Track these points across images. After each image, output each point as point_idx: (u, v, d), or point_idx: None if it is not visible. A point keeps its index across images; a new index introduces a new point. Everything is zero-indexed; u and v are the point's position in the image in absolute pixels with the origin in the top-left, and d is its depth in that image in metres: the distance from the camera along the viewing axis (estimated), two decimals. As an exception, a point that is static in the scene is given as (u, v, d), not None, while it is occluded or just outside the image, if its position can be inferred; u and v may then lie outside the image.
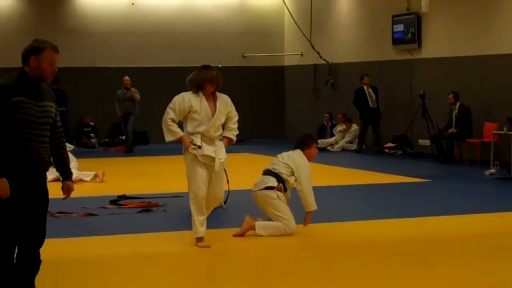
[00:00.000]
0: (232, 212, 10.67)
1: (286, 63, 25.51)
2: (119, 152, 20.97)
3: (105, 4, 23.68)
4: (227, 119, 8.73)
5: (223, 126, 8.75)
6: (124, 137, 21.56)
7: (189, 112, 8.51)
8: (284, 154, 9.26)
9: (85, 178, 14.08)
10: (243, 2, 24.95)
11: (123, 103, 20.92)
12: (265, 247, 8.59)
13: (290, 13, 24.36)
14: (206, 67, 8.69)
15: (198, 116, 8.49)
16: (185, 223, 9.26)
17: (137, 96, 20.83)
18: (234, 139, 8.85)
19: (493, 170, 15.26)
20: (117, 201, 11.76)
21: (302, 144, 9.28)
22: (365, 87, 20.49)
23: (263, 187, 9.05)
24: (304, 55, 24.37)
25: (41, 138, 5.73)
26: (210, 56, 23.45)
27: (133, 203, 11.56)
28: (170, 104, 8.59)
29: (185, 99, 8.52)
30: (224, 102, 8.67)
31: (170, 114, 8.54)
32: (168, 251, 8.47)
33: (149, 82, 23.26)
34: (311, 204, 9.03)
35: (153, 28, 23.96)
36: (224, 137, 8.72)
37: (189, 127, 8.56)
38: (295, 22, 24.01)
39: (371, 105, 20.42)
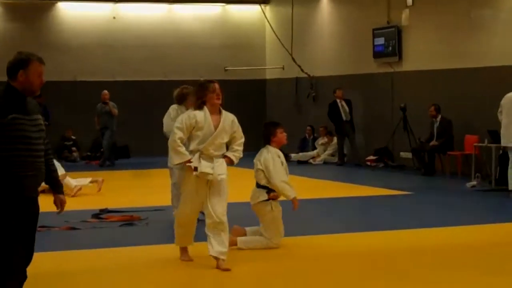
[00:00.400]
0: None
1: (267, 77, 25.57)
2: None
3: (86, 18, 23.67)
4: (232, 139, 8.32)
5: (227, 147, 8.37)
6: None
7: (193, 128, 8.09)
8: (257, 155, 9.31)
9: (84, 183, 14.25)
10: (224, 15, 25.01)
11: (101, 117, 20.93)
12: (249, 260, 8.56)
13: (271, 26, 24.42)
14: (208, 81, 8.34)
15: (201, 132, 8.08)
16: (167, 236, 9.24)
17: (115, 110, 20.80)
18: (236, 161, 8.37)
19: (474, 182, 15.33)
20: (99, 215, 11.73)
21: (267, 136, 9.31)
22: (338, 100, 20.61)
23: (257, 201, 9.17)
24: (285, 69, 24.43)
25: (37, 153, 5.60)
26: (192, 70, 23.53)
27: (115, 217, 11.53)
28: (177, 124, 8.11)
29: (190, 116, 8.11)
30: (230, 120, 8.26)
31: (178, 133, 8.05)
32: (150, 264, 8.43)
33: (130, 95, 23.25)
34: (287, 195, 9.09)
35: (134, 42, 23.97)
36: (225, 156, 8.29)
37: (191, 145, 8.18)
38: (276, 35, 24.07)
39: (344, 118, 20.55)
